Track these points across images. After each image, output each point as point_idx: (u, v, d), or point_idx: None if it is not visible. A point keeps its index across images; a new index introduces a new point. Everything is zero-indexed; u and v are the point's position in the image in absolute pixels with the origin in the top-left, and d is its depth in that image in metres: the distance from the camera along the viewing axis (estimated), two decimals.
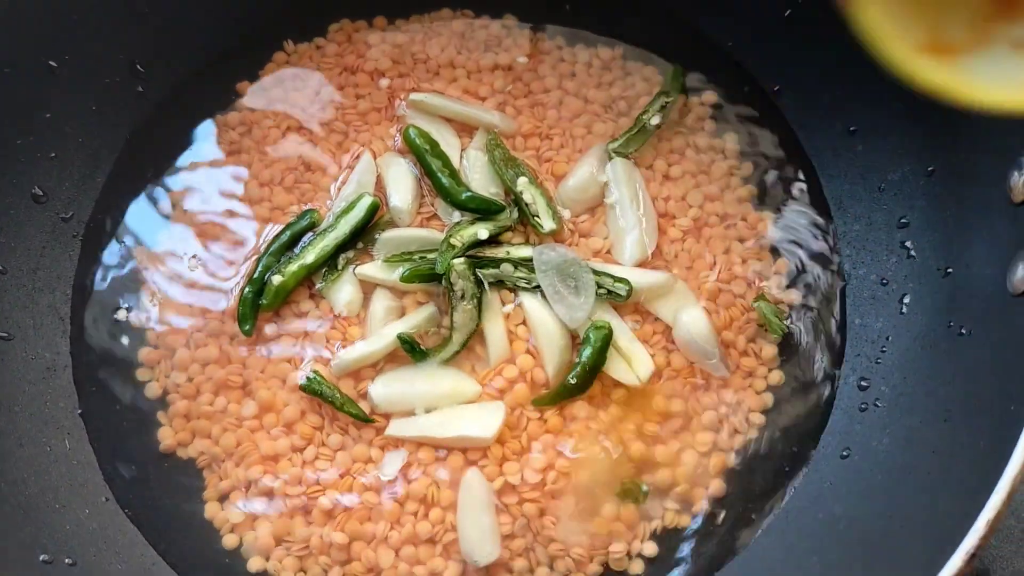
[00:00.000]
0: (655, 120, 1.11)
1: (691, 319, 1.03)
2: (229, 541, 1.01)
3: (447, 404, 1.03)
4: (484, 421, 1.01)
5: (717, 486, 1.01)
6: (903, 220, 1.02)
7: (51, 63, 1.05)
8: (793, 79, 1.11)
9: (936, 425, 0.87)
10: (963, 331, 0.90)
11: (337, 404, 1.02)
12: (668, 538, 1.00)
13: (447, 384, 1.03)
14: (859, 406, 0.99)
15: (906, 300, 0.99)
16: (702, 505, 1.00)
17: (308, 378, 1.03)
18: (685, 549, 0.99)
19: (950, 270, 0.95)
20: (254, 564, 1.00)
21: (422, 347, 1.04)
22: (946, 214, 0.97)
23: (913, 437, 0.90)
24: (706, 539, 0.99)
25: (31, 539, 0.92)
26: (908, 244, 1.01)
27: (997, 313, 0.83)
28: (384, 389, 1.03)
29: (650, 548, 0.99)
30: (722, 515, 1.00)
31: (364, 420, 1.02)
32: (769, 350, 1.04)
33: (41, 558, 0.91)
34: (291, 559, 0.99)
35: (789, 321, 1.05)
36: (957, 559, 0.70)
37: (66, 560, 0.93)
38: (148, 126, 1.14)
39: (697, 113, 1.14)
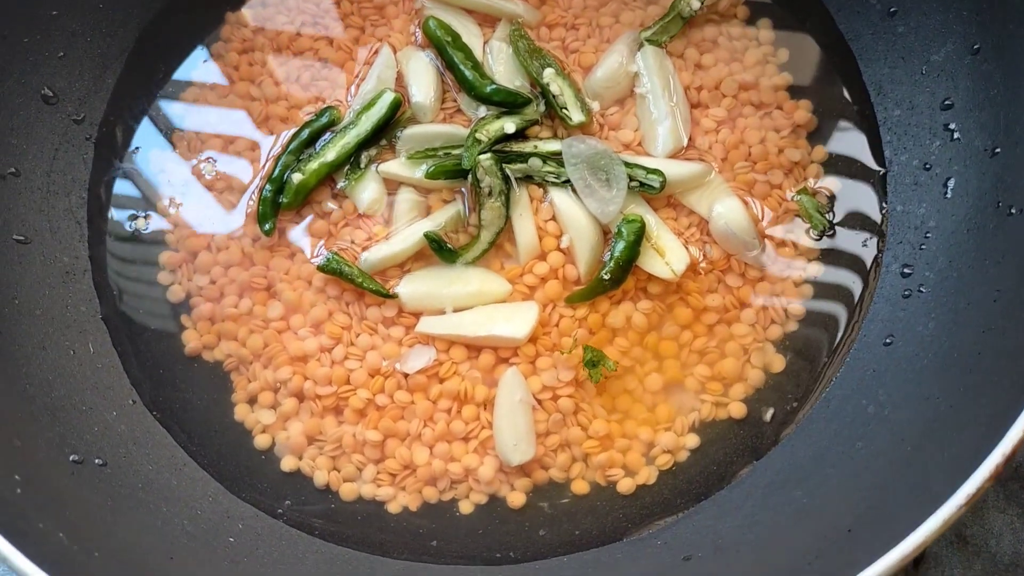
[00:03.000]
0: (695, 4, 1.06)
1: (728, 210, 1.00)
2: (261, 441, 0.99)
3: (477, 303, 1.00)
4: (517, 320, 0.99)
5: (756, 377, 0.99)
6: (947, 102, 0.98)
7: None
8: None
9: (986, 305, 0.85)
10: (1012, 210, 0.87)
11: (357, 282, 1.00)
12: (707, 430, 0.98)
13: (476, 283, 1.01)
14: (902, 293, 0.96)
15: (951, 184, 0.96)
16: (742, 397, 0.99)
17: (327, 257, 1.00)
18: (727, 439, 0.98)
19: (998, 150, 0.92)
20: (287, 463, 0.99)
21: (450, 246, 1.01)
22: (993, 92, 0.93)
23: (960, 320, 0.88)
24: (747, 428, 0.98)
25: (60, 439, 0.91)
26: (952, 126, 0.97)
27: None
28: (412, 288, 1.01)
29: (692, 440, 0.98)
30: (762, 405, 0.98)
31: (385, 295, 1.00)
32: (807, 241, 1.02)
33: (71, 458, 0.90)
34: (324, 458, 0.98)
35: (830, 214, 1.01)
36: (1016, 431, 0.69)
37: (96, 460, 0.92)
38: (158, 23, 1.10)
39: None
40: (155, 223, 1.06)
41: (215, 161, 1.07)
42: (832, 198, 1.02)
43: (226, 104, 1.09)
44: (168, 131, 1.09)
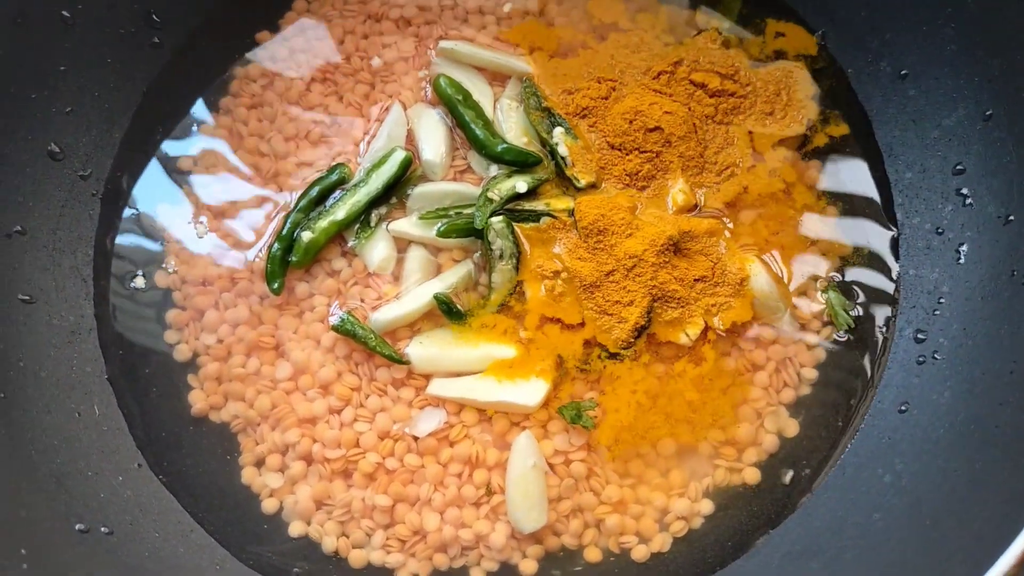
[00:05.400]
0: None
1: (752, 275, 0.99)
2: (268, 506, 0.98)
3: (485, 367, 0.99)
4: (529, 387, 0.98)
5: (771, 442, 0.98)
6: (959, 167, 0.98)
7: (64, 13, 1.00)
8: (841, 21, 1.07)
9: (1003, 377, 0.84)
10: None
11: (371, 345, 0.99)
12: (722, 496, 0.97)
13: (484, 347, 1.00)
14: (916, 359, 0.96)
15: (963, 249, 0.96)
16: (756, 461, 0.98)
17: (341, 318, 0.99)
18: (741, 506, 0.97)
19: (1011, 217, 0.92)
20: (295, 529, 0.97)
21: (459, 307, 1.00)
22: (1006, 160, 0.93)
23: (976, 391, 0.88)
24: (762, 495, 0.97)
25: (65, 508, 0.89)
26: (965, 191, 0.97)
27: None
28: (422, 351, 1.00)
29: (706, 506, 0.97)
30: (776, 471, 0.98)
31: (397, 361, 0.99)
32: (819, 305, 1.01)
33: (77, 527, 0.88)
34: (333, 523, 0.97)
35: (855, 310, 1.01)
36: None
37: (102, 529, 0.90)
38: (165, 79, 1.09)
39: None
40: (161, 280, 1.05)
41: (223, 217, 1.06)
42: (857, 291, 1.02)
43: (235, 159, 1.08)
44: (175, 186, 1.08)
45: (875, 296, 1.01)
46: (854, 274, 1.02)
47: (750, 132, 1.07)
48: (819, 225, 1.04)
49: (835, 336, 1.00)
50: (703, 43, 1.10)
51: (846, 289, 1.01)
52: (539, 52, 1.09)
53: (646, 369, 0.99)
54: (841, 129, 1.06)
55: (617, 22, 1.10)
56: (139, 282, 1.05)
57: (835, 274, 1.01)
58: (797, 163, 1.06)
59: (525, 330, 0.99)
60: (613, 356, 0.98)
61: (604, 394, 0.98)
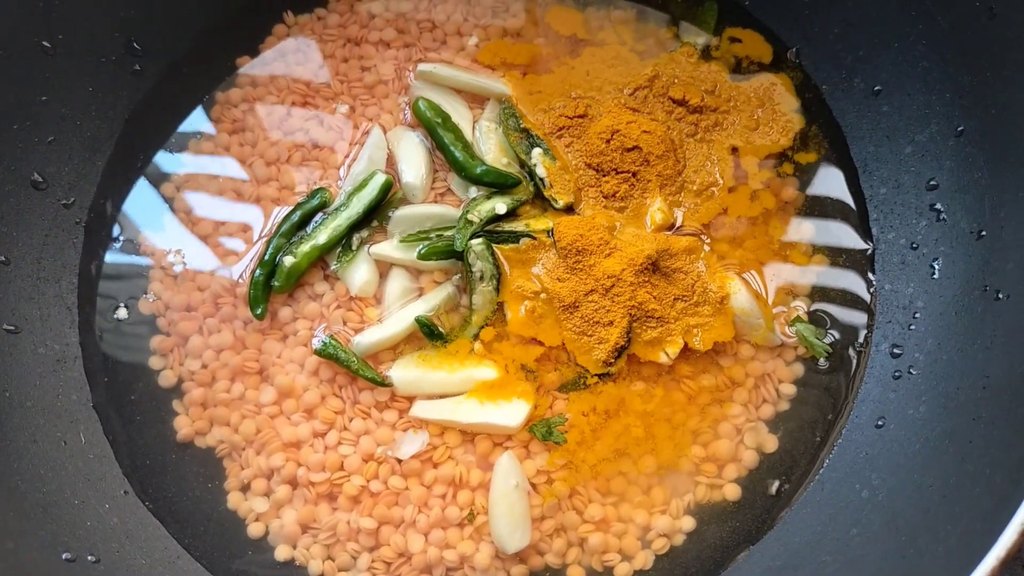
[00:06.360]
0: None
1: (734, 293, 1.00)
2: (254, 530, 0.99)
3: (467, 388, 1.00)
4: (511, 409, 0.99)
5: (750, 457, 0.99)
6: (932, 182, 0.99)
7: (45, 44, 1.01)
8: (815, 38, 1.08)
9: (975, 392, 0.85)
10: (1000, 295, 0.88)
11: (353, 368, 1.00)
12: (703, 512, 0.98)
13: (466, 369, 1.00)
14: (892, 374, 0.97)
15: (938, 264, 0.97)
16: (736, 478, 0.99)
17: (324, 342, 1.00)
18: (722, 522, 0.98)
19: (984, 233, 0.93)
20: (281, 553, 0.98)
21: (441, 330, 1.01)
22: (977, 175, 0.94)
23: (951, 405, 0.89)
24: (742, 511, 0.98)
25: (52, 537, 0.90)
26: (939, 207, 0.98)
27: None
28: (404, 373, 1.01)
29: (688, 523, 0.98)
30: (757, 487, 0.99)
31: (379, 384, 1.00)
32: (808, 309, 1.02)
33: (64, 556, 0.89)
34: (318, 547, 0.98)
35: (828, 337, 1.02)
36: (1012, 531, 0.69)
37: (89, 557, 0.91)
38: (147, 106, 1.10)
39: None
40: (146, 307, 1.05)
41: (205, 243, 1.07)
42: (826, 316, 1.03)
43: (217, 185, 1.09)
44: (158, 213, 1.09)
45: (852, 311, 1.02)
46: (831, 286, 1.03)
47: (734, 148, 1.08)
48: (797, 242, 1.05)
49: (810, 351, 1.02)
50: (680, 58, 1.11)
51: (816, 317, 1.02)
52: (513, 71, 1.10)
53: (628, 389, 1.00)
54: (819, 147, 1.07)
55: (576, 33, 1.11)
56: (124, 309, 1.05)
57: (800, 304, 1.02)
58: (775, 180, 1.07)
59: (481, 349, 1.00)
60: (597, 376, 0.99)
61: (586, 416, 0.99)
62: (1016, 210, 0.88)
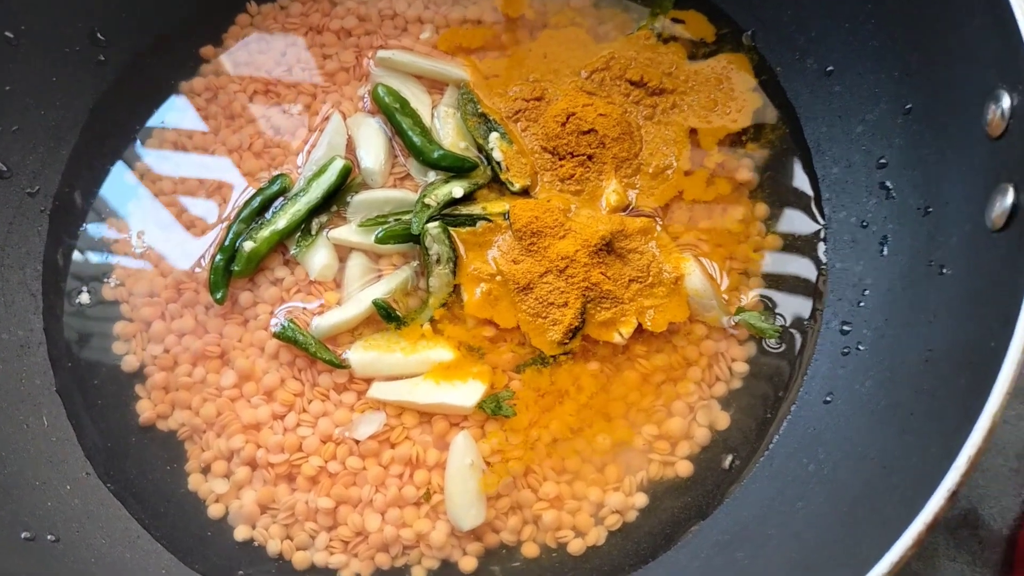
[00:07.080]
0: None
1: (688, 274, 1.01)
2: (214, 511, 1.00)
3: (424, 370, 1.01)
4: (466, 389, 1.00)
5: (703, 435, 1.00)
6: (882, 160, 1.00)
7: (8, 34, 1.03)
8: (769, 20, 1.09)
9: (918, 366, 0.86)
10: (944, 270, 0.88)
11: (311, 351, 1.01)
12: (656, 489, 0.99)
13: (422, 350, 1.01)
14: (841, 350, 0.98)
15: (886, 241, 0.98)
16: (689, 455, 1.00)
17: (282, 325, 1.02)
18: (674, 498, 0.98)
19: (930, 209, 0.93)
20: (240, 533, 0.99)
21: (398, 312, 1.02)
22: (924, 152, 0.95)
23: (896, 379, 0.89)
24: (693, 488, 0.99)
25: (11, 517, 0.91)
26: (888, 184, 0.99)
27: (976, 249, 0.82)
28: (361, 355, 1.02)
29: (640, 500, 0.99)
30: (708, 464, 1.00)
31: (337, 366, 1.01)
32: (750, 297, 1.03)
33: (23, 535, 0.90)
34: (277, 527, 0.99)
35: (774, 318, 1.03)
36: (938, 497, 0.70)
37: (48, 536, 0.92)
38: (111, 96, 1.12)
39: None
40: (109, 293, 1.07)
41: (167, 230, 1.09)
42: (780, 299, 1.04)
43: (180, 172, 1.11)
44: (123, 201, 1.10)
45: (803, 291, 1.03)
46: (784, 266, 1.04)
47: (693, 131, 1.09)
48: (751, 223, 1.06)
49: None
50: (638, 40, 1.12)
51: (767, 298, 1.03)
52: (471, 56, 1.11)
53: (583, 368, 1.01)
54: (774, 129, 1.08)
55: (531, 16, 1.13)
56: (87, 295, 1.07)
57: (753, 285, 1.03)
58: (731, 162, 1.08)
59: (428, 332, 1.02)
60: (549, 358, 1.00)
61: (542, 396, 1.00)
62: (959, 185, 0.89)
